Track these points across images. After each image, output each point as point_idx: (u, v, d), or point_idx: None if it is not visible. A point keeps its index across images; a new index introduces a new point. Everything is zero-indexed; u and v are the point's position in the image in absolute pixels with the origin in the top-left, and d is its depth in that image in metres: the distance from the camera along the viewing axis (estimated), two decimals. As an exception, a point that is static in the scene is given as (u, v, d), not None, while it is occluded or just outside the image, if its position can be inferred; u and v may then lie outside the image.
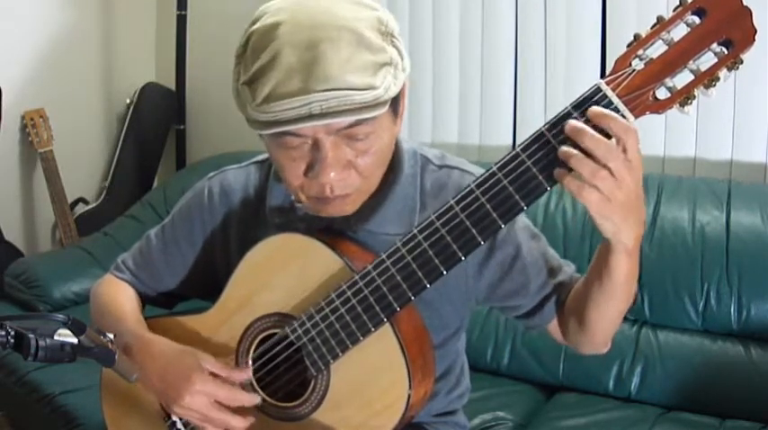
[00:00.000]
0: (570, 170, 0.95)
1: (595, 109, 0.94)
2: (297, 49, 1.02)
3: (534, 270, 1.21)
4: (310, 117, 1.00)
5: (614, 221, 0.98)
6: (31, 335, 0.94)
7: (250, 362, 1.21)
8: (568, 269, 1.25)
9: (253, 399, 1.18)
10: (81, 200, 3.02)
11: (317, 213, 1.16)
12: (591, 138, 0.93)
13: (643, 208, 1.01)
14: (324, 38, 1.01)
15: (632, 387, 2.00)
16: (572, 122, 0.95)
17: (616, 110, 0.95)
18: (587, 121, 0.95)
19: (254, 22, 1.09)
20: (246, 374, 1.19)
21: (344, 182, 1.09)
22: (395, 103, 1.09)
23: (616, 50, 0.96)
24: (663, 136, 2.29)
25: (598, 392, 2.04)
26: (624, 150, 0.94)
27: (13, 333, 0.94)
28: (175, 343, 1.23)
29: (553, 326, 1.25)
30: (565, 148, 0.95)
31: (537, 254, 1.22)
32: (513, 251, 1.21)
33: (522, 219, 1.23)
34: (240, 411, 1.17)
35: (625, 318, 2.03)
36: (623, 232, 1.00)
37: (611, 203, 0.95)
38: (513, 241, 1.21)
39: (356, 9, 1.06)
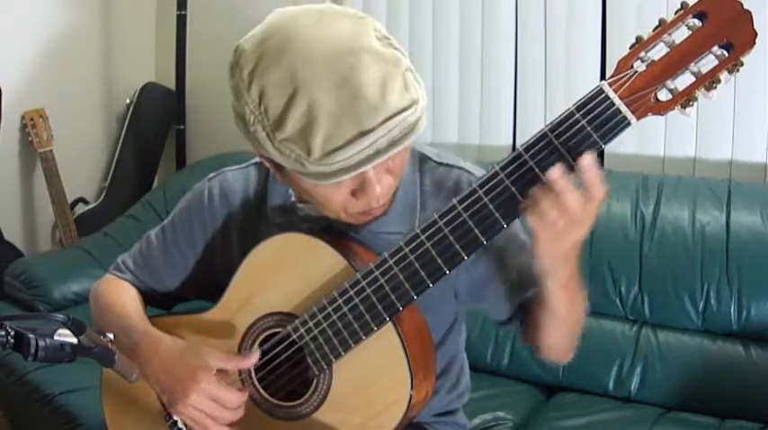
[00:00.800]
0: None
1: (586, 162, 0.97)
2: (329, 91, 0.99)
3: (511, 275, 1.22)
4: (378, 154, 1.00)
5: (554, 262, 1.06)
6: (31, 335, 0.94)
7: (256, 348, 1.21)
8: None
9: (244, 397, 1.18)
10: (81, 200, 3.02)
11: (356, 221, 1.15)
12: (568, 187, 0.97)
13: (576, 251, 1.07)
14: (348, 68, 0.99)
15: (632, 387, 2.01)
16: (556, 169, 0.98)
17: (618, 111, 0.96)
18: (589, 123, 0.96)
19: (253, 70, 1.03)
20: (253, 360, 1.19)
21: (386, 190, 1.10)
22: None
23: (616, 51, 0.97)
24: (663, 136, 2.30)
25: (598, 392, 2.04)
26: (590, 204, 0.99)
27: (13, 333, 0.94)
28: (182, 341, 1.23)
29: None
30: (542, 190, 0.99)
31: (517, 263, 1.23)
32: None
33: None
34: (242, 411, 1.18)
35: (625, 318, 2.06)
36: (558, 270, 1.07)
37: (559, 246, 1.02)
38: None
39: (350, 24, 1.04)
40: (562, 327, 1.18)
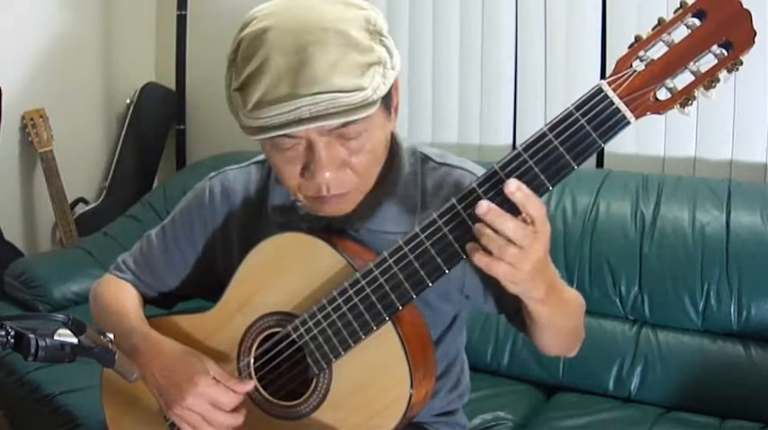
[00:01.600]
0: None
1: (510, 185, 0.97)
2: (285, 53, 1.03)
3: None
4: (299, 121, 1.01)
5: (522, 286, 1.03)
6: (31, 335, 0.94)
7: (253, 373, 1.21)
8: None
9: (242, 399, 1.18)
10: (81, 200, 3.02)
11: (316, 212, 1.16)
12: (499, 219, 0.97)
13: (549, 264, 1.06)
14: (311, 41, 1.02)
15: (632, 387, 2.01)
16: (481, 204, 0.98)
17: (617, 110, 0.96)
18: (588, 123, 0.96)
19: (243, 28, 1.09)
20: (248, 387, 1.20)
21: (340, 181, 1.10)
22: (386, 100, 1.10)
23: (616, 51, 0.97)
24: (663, 136, 2.30)
25: (598, 392, 2.04)
26: (533, 223, 0.98)
27: (13, 333, 0.93)
28: (182, 344, 1.23)
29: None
30: (477, 227, 0.99)
31: None
32: None
33: None
34: (241, 410, 1.18)
35: (625, 318, 2.06)
36: (531, 291, 1.05)
37: (519, 272, 0.99)
38: None
39: (344, 9, 1.07)
40: (554, 334, 1.19)
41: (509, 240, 0.97)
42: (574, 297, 1.20)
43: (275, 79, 1.02)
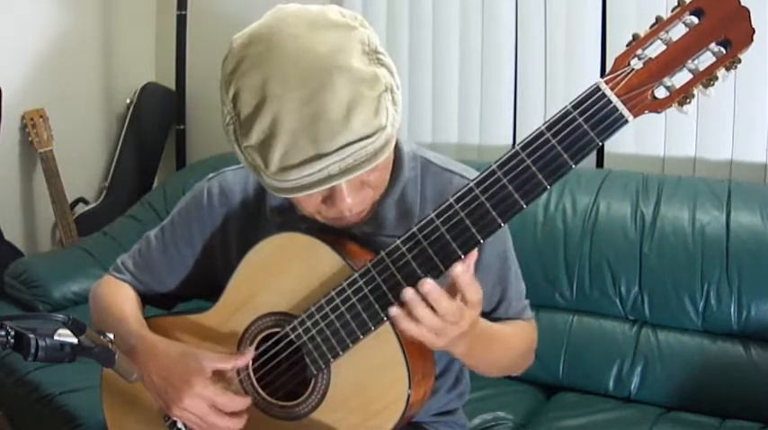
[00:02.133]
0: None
1: (456, 268, 1.01)
2: (294, 107, 1.00)
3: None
4: (330, 178, 1.02)
5: (441, 348, 1.08)
6: (31, 335, 0.94)
7: (251, 374, 1.21)
8: (514, 310, 1.29)
9: (246, 402, 1.18)
10: (81, 200, 3.02)
11: (339, 226, 1.17)
12: (438, 298, 1.01)
13: (473, 327, 1.08)
14: (317, 87, 1.00)
15: (632, 387, 2.00)
16: (424, 283, 1.01)
17: (615, 109, 0.96)
18: (587, 121, 0.97)
19: (234, 71, 1.05)
20: (248, 357, 1.19)
21: (361, 201, 1.11)
22: None
23: (616, 50, 0.97)
24: (663, 136, 2.29)
25: (598, 392, 2.03)
26: (465, 305, 1.03)
27: (13, 333, 0.94)
28: (178, 344, 1.23)
29: None
30: (409, 297, 1.02)
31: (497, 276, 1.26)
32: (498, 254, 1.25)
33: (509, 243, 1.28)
34: (239, 411, 1.18)
35: (625, 318, 2.06)
36: (451, 349, 1.11)
37: (439, 342, 1.05)
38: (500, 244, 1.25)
39: (336, 36, 1.03)
40: (485, 371, 1.27)
41: (440, 315, 1.01)
42: (509, 337, 1.24)
43: (293, 137, 1.00)
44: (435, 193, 1.22)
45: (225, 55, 1.09)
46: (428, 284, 1.01)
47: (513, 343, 1.26)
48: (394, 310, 1.03)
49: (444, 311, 1.01)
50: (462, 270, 1.01)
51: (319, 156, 1.00)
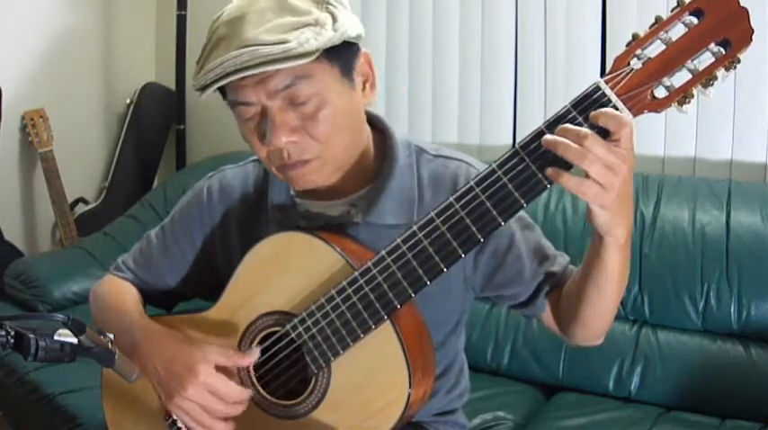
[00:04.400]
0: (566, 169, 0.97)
1: (595, 112, 0.95)
2: (227, 23, 1.11)
3: (528, 259, 1.23)
4: (225, 75, 1.07)
5: (612, 212, 0.99)
6: (31, 336, 0.94)
7: (252, 372, 1.21)
8: (562, 260, 1.26)
9: (247, 394, 1.18)
10: (81, 200, 3.02)
11: (291, 184, 1.21)
12: (592, 142, 0.94)
13: (632, 201, 1.03)
14: (250, 11, 1.10)
15: (632, 387, 2.00)
16: (547, 138, 0.96)
17: (615, 108, 0.96)
18: (586, 121, 0.96)
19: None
20: (253, 358, 1.19)
21: (299, 146, 1.13)
22: (342, 65, 1.13)
23: (616, 50, 0.97)
24: (663, 136, 2.29)
25: (598, 392, 2.03)
26: (618, 140, 0.95)
27: (13, 333, 0.94)
28: (182, 335, 1.24)
29: (546, 316, 1.27)
30: (564, 145, 0.95)
31: (531, 243, 1.24)
32: (506, 241, 1.22)
33: None
34: (240, 402, 1.18)
35: (625, 318, 2.06)
36: (617, 225, 1.02)
37: (609, 193, 0.96)
38: (506, 231, 1.22)
39: None
40: (611, 296, 1.13)
41: (597, 158, 0.94)
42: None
43: (215, 45, 1.11)
44: (432, 179, 1.23)
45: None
46: (577, 130, 0.94)
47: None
48: (549, 171, 0.97)
49: (602, 154, 0.93)
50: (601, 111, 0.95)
51: (219, 55, 1.08)
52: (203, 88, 1.11)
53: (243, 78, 1.08)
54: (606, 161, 0.94)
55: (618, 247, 1.06)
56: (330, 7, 1.11)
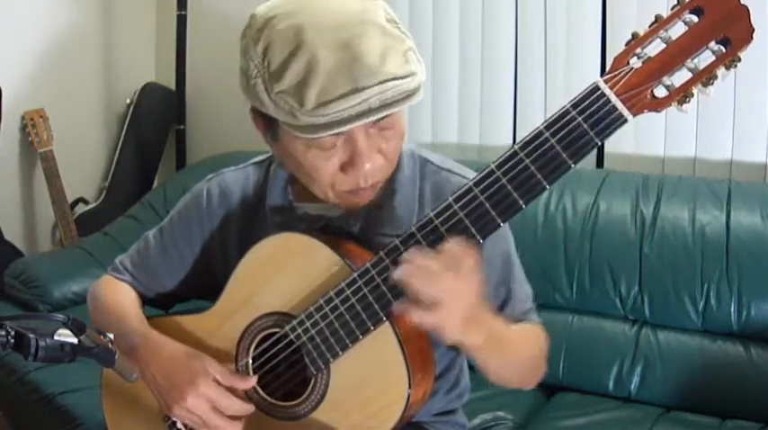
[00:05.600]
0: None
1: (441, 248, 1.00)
2: (331, 51, 1.03)
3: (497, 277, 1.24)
4: (369, 112, 1.02)
5: (456, 330, 1.03)
6: (31, 336, 0.94)
7: (251, 374, 1.21)
8: (521, 308, 1.27)
9: (249, 409, 1.19)
10: (81, 200, 3.01)
11: (345, 205, 1.17)
12: (419, 281, 0.99)
13: (486, 313, 1.07)
14: (352, 35, 1.03)
15: (632, 387, 2.00)
16: (396, 274, 1.00)
17: (614, 108, 0.96)
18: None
19: (262, 29, 1.08)
20: (250, 383, 1.20)
21: (377, 170, 1.12)
22: None
23: (616, 50, 0.97)
24: (663, 136, 2.29)
25: (598, 392, 2.03)
26: (458, 269, 0.99)
27: (13, 333, 0.94)
28: (182, 344, 1.23)
29: None
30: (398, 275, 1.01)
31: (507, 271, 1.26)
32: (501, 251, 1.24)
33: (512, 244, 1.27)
34: (241, 424, 1.18)
35: (625, 318, 2.06)
36: (466, 336, 1.05)
37: (452, 315, 1.00)
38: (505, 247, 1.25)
39: (360, 3, 1.08)
40: (494, 374, 1.18)
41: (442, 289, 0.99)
42: (520, 340, 1.20)
43: (331, 76, 1.02)
44: (434, 192, 1.22)
45: (246, 24, 1.12)
46: (408, 253, 1.01)
47: (527, 343, 1.23)
48: (396, 305, 1.04)
49: (433, 290, 0.99)
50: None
51: (359, 90, 1.01)
52: (333, 125, 1.03)
53: None
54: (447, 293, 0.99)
55: (480, 350, 1.09)
56: (401, 27, 1.11)
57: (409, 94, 1.04)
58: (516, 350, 1.19)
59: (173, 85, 3.06)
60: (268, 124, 1.13)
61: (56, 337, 0.96)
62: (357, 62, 1.02)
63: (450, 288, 0.99)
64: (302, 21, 1.05)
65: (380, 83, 1.02)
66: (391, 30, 1.07)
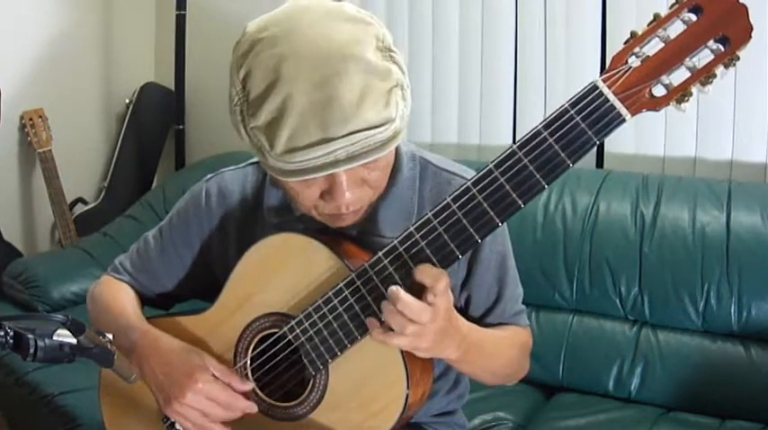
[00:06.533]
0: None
1: (416, 269, 1.03)
2: (307, 89, 1.00)
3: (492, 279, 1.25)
4: (336, 163, 1.01)
5: (428, 351, 1.06)
6: (30, 336, 0.94)
7: (250, 374, 1.21)
8: (510, 312, 1.28)
9: (251, 407, 1.18)
10: (80, 200, 3.01)
11: (329, 225, 1.16)
12: (391, 313, 1.02)
13: (457, 327, 1.09)
14: (332, 73, 1.00)
15: (632, 387, 2.00)
16: (392, 290, 1.02)
17: (612, 107, 0.96)
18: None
19: (248, 51, 1.05)
20: (247, 387, 1.20)
21: (359, 199, 1.10)
22: None
23: (616, 50, 0.96)
24: (663, 136, 2.29)
25: (598, 392, 2.03)
26: (434, 294, 1.01)
27: (12, 333, 0.94)
28: (181, 341, 1.23)
29: None
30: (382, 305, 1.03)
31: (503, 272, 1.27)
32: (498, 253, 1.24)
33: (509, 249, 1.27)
34: (238, 414, 1.18)
35: (625, 318, 2.06)
36: (441, 352, 1.09)
37: (421, 340, 1.03)
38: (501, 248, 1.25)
39: (353, 29, 1.04)
40: (477, 378, 1.25)
41: (409, 319, 1.01)
42: (499, 343, 1.23)
43: (303, 120, 1.00)
44: (434, 194, 1.21)
45: (238, 39, 1.09)
46: (392, 291, 1.02)
47: (506, 347, 1.25)
48: (368, 321, 1.06)
49: (415, 312, 1.01)
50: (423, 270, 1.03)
51: (327, 140, 0.99)
52: (298, 172, 1.02)
53: None
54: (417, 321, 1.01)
55: (456, 363, 1.14)
56: (394, 56, 1.06)
57: (382, 144, 1.02)
58: (494, 354, 1.22)
59: (172, 85, 3.06)
60: None
61: (55, 338, 0.96)
62: (330, 106, 0.99)
63: (424, 320, 1.02)
64: (285, 50, 1.01)
65: (350, 133, 0.99)
66: (377, 64, 1.02)
